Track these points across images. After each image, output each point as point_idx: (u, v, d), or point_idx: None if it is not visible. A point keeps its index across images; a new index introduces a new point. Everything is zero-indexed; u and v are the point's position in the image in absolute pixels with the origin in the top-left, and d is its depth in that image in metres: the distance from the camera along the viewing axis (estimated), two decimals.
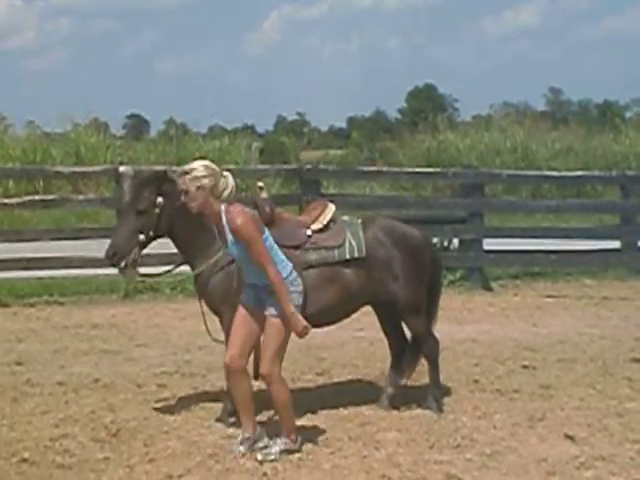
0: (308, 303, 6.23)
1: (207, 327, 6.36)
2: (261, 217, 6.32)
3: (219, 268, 6.26)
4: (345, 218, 6.63)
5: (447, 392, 6.92)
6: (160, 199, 6.25)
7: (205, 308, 6.41)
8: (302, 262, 6.24)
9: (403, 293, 6.46)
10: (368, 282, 6.39)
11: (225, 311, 6.26)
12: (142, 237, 6.25)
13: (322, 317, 6.41)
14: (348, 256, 6.34)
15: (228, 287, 6.22)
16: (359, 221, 6.57)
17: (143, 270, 6.60)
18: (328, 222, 6.48)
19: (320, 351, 8.60)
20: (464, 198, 13.45)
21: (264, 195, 6.67)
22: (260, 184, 6.79)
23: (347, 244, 6.36)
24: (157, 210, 6.25)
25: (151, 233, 6.28)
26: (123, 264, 6.26)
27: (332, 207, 6.58)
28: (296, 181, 13.54)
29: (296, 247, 6.31)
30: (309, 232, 6.40)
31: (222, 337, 6.34)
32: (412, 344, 6.78)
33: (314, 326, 6.63)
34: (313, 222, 6.46)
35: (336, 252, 6.35)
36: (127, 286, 11.72)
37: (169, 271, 6.84)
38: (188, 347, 8.91)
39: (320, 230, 6.43)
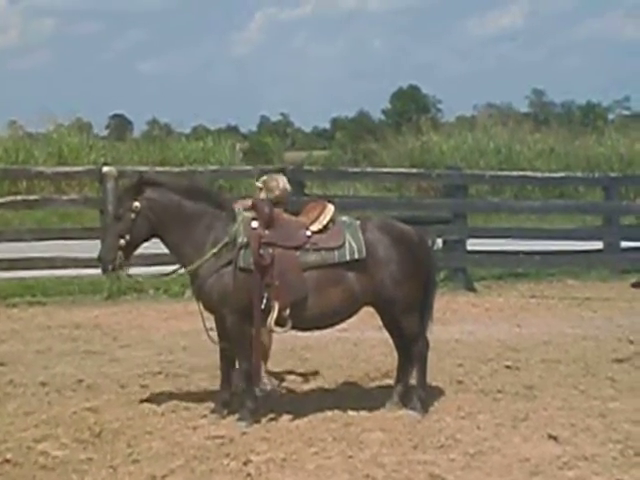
0: (310, 305, 6.24)
1: (206, 327, 6.41)
2: (260, 218, 6.33)
3: (215, 270, 6.26)
4: (344, 218, 6.60)
5: (431, 392, 6.92)
6: (137, 203, 6.26)
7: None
8: (302, 263, 6.27)
9: (400, 292, 6.44)
10: (368, 283, 6.38)
11: (226, 314, 6.29)
12: (122, 242, 6.28)
13: (324, 319, 6.44)
14: (348, 257, 6.33)
15: (225, 289, 6.24)
16: (357, 222, 6.53)
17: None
18: (327, 223, 6.46)
19: (304, 352, 8.60)
20: (448, 199, 13.48)
21: (263, 195, 6.67)
22: (259, 184, 6.80)
23: (347, 245, 6.35)
24: (133, 215, 6.27)
25: (128, 237, 6.29)
26: (110, 267, 6.36)
27: (331, 207, 6.57)
28: None
29: (296, 248, 6.31)
30: (308, 233, 6.39)
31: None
32: (403, 344, 6.77)
33: (316, 328, 6.67)
34: (312, 223, 6.45)
35: (336, 253, 6.33)
36: (110, 287, 11.69)
37: (172, 272, 6.85)
38: (172, 348, 8.88)
39: (319, 231, 6.42)
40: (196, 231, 6.33)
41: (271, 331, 6.38)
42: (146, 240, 6.49)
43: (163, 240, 6.47)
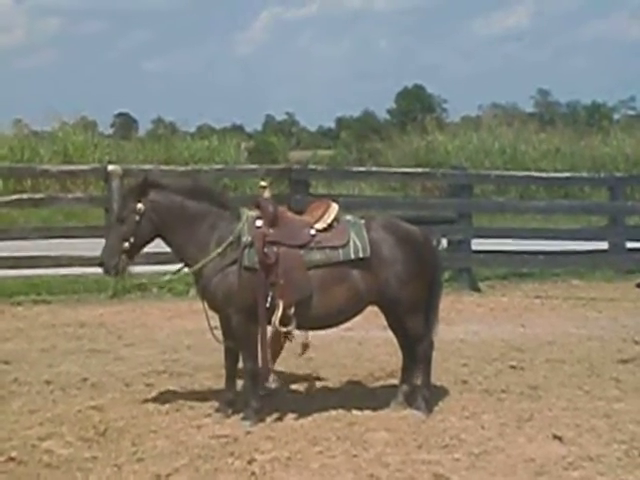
0: (314, 304, 6.23)
1: (210, 326, 6.41)
2: (264, 217, 6.33)
3: (220, 269, 6.26)
4: (348, 217, 6.58)
5: (435, 392, 6.91)
6: (140, 205, 6.25)
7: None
8: (306, 262, 6.26)
9: (405, 292, 6.43)
10: (373, 282, 6.36)
11: (231, 313, 6.29)
12: (126, 245, 6.27)
13: (328, 318, 6.43)
14: (353, 256, 6.31)
15: (230, 288, 6.23)
16: (362, 221, 6.52)
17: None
18: (332, 221, 6.45)
19: (308, 351, 8.57)
20: (453, 198, 13.47)
21: (267, 194, 6.66)
22: (263, 183, 6.81)
23: (351, 244, 6.33)
24: (137, 217, 6.25)
25: (132, 240, 6.27)
26: (113, 272, 6.35)
27: (335, 206, 6.55)
28: (285, 181, 13.52)
29: (300, 247, 6.30)
30: (313, 231, 6.37)
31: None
32: (407, 343, 6.76)
33: (320, 328, 6.66)
34: (316, 221, 6.44)
35: (341, 252, 6.31)
36: (115, 285, 11.70)
37: (176, 272, 6.85)
38: (176, 347, 8.89)
39: (324, 229, 6.40)
40: (200, 231, 6.32)
41: (286, 332, 6.37)
42: (150, 242, 6.48)
43: (167, 241, 6.45)
